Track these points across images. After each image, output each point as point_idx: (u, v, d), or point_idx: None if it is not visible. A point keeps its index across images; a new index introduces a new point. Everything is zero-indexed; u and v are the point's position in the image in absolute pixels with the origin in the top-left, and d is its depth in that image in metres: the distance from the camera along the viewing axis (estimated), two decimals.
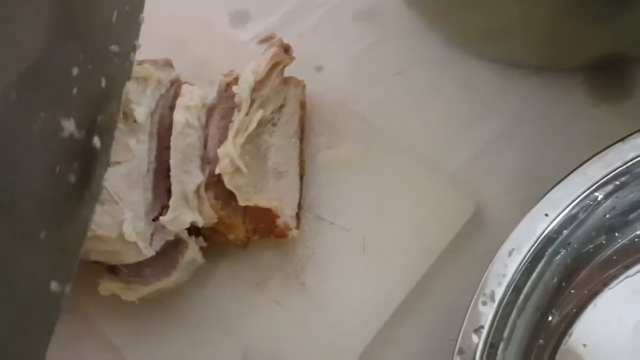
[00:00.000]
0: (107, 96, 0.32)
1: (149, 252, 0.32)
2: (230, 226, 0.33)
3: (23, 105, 0.26)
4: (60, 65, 0.28)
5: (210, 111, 0.34)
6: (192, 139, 0.33)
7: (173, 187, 0.32)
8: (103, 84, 0.31)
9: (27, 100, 0.26)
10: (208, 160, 0.33)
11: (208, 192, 0.33)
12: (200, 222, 0.33)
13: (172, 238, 0.33)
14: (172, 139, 0.32)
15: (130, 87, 0.33)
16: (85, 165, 0.29)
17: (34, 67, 0.26)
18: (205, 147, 0.34)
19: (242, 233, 0.34)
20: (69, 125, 0.28)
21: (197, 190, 0.33)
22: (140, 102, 0.33)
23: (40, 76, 0.27)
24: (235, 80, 0.35)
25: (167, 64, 0.37)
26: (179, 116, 0.33)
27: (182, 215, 0.32)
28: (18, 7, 0.25)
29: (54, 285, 0.26)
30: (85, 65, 0.30)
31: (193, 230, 0.34)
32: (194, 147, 0.33)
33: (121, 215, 0.31)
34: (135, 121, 0.33)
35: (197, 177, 0.33)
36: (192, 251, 0.34)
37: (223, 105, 0.35)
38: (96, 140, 0.30)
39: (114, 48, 0.32)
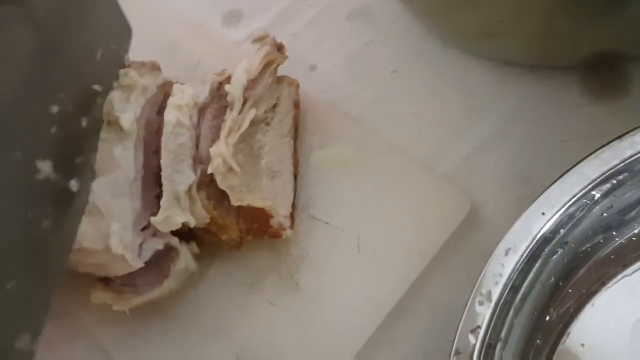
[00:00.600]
0: (87, 136, 0.31)
1: (137, 263, 0.32)
2: (223, 226, 0.33)
3: None
4: (39, 103, 0.27)
5: (202, 110, 0.34)
6: (184, 138, 0.33)
7: (164, 187, 0.32)
8: (84, 123, 0.30)
9: (2, 137, 0.24)
10: (200, 160, 0.33)
11: (200, 192, 0.32)
12: (192, 223, 0.32)
13: (161, 247, 0.33)
14: (162, 138, 0.32)
15: (115, 96, 0.33)
16: (61, 209, 0.28)
17: (12, 103, 0.25)
18: (197, 146, 0.33)
19: (235, 233, 0.33)
20: (45, 167, 0.27)
21: (189, 190, 0.32)
22: (125, 109, 0.33)
23: (18, 113, 0.25)
24: (228, 80, 0.35)
25: (155, 68, 0.36)
26: (170, 115, 0.32)
27: (173, 215, 0.31)
28: (4, 37, 0.24)
29: (22, 340, 0.24)
30: (65, 104, 0.28)
31: (185, 231, 0.33)
32: (185, 147, 0.33)
33: (107, 228, 0.31)
34: (121, 129, 0.32)
35: (189, 177, 0.32)
36: (184, 259, 0.33)
37: (215, 105, 0.34)
38: (73, 184, 0.29)
39: (97, 87, 0.32)
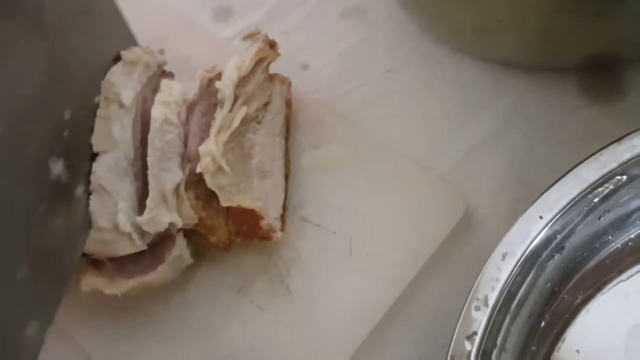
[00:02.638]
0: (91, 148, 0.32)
1: (141, 245, 0.31)
2: (211, 228, 0.32)
3: (15, 138, 0.26)
4: (54, 107, 0.29)
5: (191, 107, 0.33)
6: (171, 135, 0.32)
7: (150, 186, 0.31)
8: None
9: (20, 132, 0.26)
10: (189, 159, 0.32)
11: (188, 192, 0.31)
12: (179, 223, 0.31)
13: (162, 230, 0.32)
14: (149, 135, 0.31)
15: (115, 71, 0.32)
16: (69, 207, 0.29)
17: (30, 104, 0.27)
18: (185, 144, 0.32)
19: (224, 235, 0.32)
20: (57, 168, 0.28)
21: (177, 190, 0.31)
22: (126, 85, 0.32)
23: (34, 112, 0.27)
24: (218, 76, 0.34)
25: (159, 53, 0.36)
26: (157, 112, 0.31)
27: (159, 215, 0.31)
28: (17, 49, 0.26)
29: (32, 327, 0.25)
30: (77, 111, 0.30)
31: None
32: (173, 145, 0.32)
33: (114, 205, 0.31)
34: (121, 106, 0.32)
35: (176, 176, 0.31)
36: (179, 246, 0.32)
37: (205, 102, 0.33)
38: (79, 190, 0.30)
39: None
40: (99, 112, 0.31)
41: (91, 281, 0.32)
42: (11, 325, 0.25)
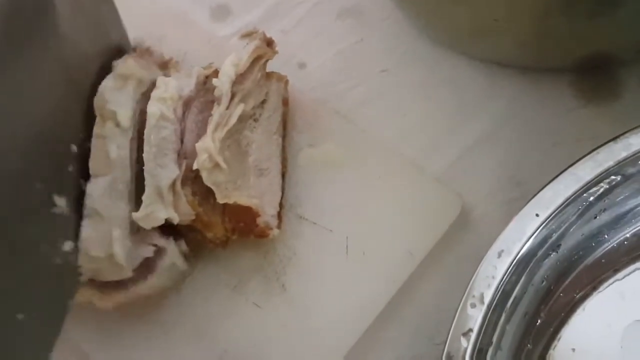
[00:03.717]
0: None
1: (128, 273, 0.31)
2: (208, 224, 0.32)
3: (23, 172, 0.26)
4: (61, 140, 0.29)
5: (187, 104, 0.33)
6: (167, 132, 0.31)
7: (146, 182, 0.30)
8: None
9: (27, 167, 0.26)
10: (185, 155, 0.32)
11: (185, 188, 0.31)
12: (176, 219, 0.31)
13: (151, 255, 0.32)
14: (145, 131, 0.31)
15: (107, 86, 0.31)
16: (73, 244, 0.29)
17: (38, 135, 0.27)
18: (181, 141, 0.32)
19: (220, 231, 0.32)
20: (60, 202, 0.28)
21: (173, 185, 0.31)
22: (121, 103, 0.31)
23: (42, 146, 0.27)
24: (215, 73, 0.34)
25: (159, 60, 0.35)
26: (153, 108, 0.31)
27: (155, 211, 0.30)
28: (34, 75, 0.26)
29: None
30: (84, 144, 0.30)
31: (170, 229, 0.32)
32: (169, 141, 0.31)
33: (108, 233, 0.30)
34: (117, 125, 0.31)
35: (172, 172, 0.31)
36: (171, 256, 0.32)
37: (201, 99, 0.33)
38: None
39: None
40: (95, 130, 0.30)
41: (84, 293, 0.31)
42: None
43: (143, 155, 0.31)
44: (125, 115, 0.31)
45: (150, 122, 0.31)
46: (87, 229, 0.29)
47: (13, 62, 0.25)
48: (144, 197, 0.30)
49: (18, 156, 0.25)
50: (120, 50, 0.34)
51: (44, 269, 0.27)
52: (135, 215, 0.30)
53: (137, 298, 0.32)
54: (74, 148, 0.29)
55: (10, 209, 0.25)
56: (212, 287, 0.34)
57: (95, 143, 0.30)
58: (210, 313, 0.34)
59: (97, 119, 0.30)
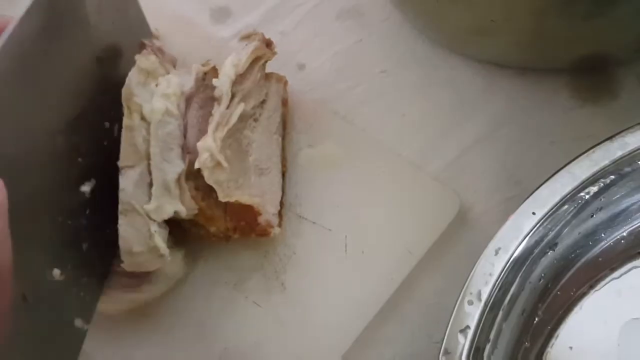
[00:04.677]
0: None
1: (168, 256, 0.32)
2: (211, 218, 0.32)
3: (64, 150, 0.29)
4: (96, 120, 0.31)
5: (188, 100, 0.33)
6: (172, 127, 0.32)
7: (154, 176, 0.31)
8: None
9: (67, 145, 0.29)
10: (188, 150, 0.32)
11: (188, 183, 0.31)
12: (184, 212, 0.31)
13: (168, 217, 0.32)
14: (151, 127, 0.31)
15: (133, 79, 0.32)
16: (95, 236, 0.31)
17: (78, 118, 0.30)
18: (184, 136, 0.33)
19: (223, 225, 0.32)
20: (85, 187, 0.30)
21: (179, 180, 0.31)
22: (146, 97, 0.32)
23: (80, 128, 0.30)
24: (213, 70, 0.34)
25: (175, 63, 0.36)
26: (158, 104, 0.31)
27: (164, 204, 0.31)
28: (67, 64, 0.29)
29: (78, 321, 0.30)
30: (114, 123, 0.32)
31: (174, 225, 0.33)
32: (173, 136, 0.32)
33: (146, 227, 0.30)
34: (142, 118, 0.31)
35: (178, 166, 0.31)
36: (173, 263, 0.33)
37: (201, 95, 0.33)
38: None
39: None
40: (124, 121, 0.31)
41: None
42: (63, 318, 0.29)
43: (150, 150, 0.31)
44: (149, 109, 0.31)
45: (155, 117, 0.31)
46: (125, 227, 0.30)
47: (50, 53, 0.28)
48: (153, 190, 0.31)
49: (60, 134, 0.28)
50: (142, 44, 0.35)
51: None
52: (146, 207, 0.30)
53: (135, 305, 0.33)
54: (107, 124, 0.32)
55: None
56: (212, 285, 0.35)
57: (124, 135, 0.31)
58: (210, 311, 0.34)
59: (125, 111, 0.31)
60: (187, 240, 0.34)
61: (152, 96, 0.32)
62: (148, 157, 0.31)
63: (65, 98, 0.29)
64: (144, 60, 0.32)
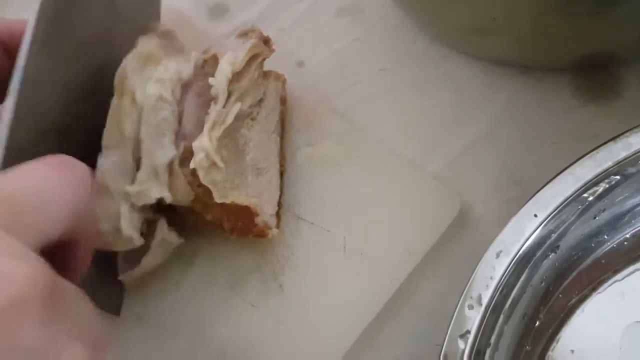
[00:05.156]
0: None
1: (139, 241, 0.31)
2: (207, 205, 0.31)
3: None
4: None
5: (185, 87, 0.33)
6: (166, 113, 0.31)
7: (143, 160, 0.30)
8: None
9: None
10: (184, 136, 0.32)
11: (184, 169, 0.31)
12: (169, 199, 0.31)
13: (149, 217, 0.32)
14: (144, 111, 0.31)
15: (129, 63, 0.31)
16: None
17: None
18: (180, 122, 0.32)
19: (219, 213, 0.32)
20: None
21: (170, 166, 0.31)
22: (140, 83, 0.31)
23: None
24: (213, 58, 0.34)
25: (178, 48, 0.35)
26: (152, 89, 0.31)
27: (149, 189, 0.30)
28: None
29: None
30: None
31: (166, 210, 0.32)
32: (167, 122, 0.31)
33: (116, 208, 0.30)
34: (133, 101, 0.31)
35: (170, 152, 0.31)
36: (161, 231, 0.32)
37: (200, 82, 0.33)
38: None
39: None
40: (112, 101, 0.31)
41: None
42: None
43: (140, 134, 0.31)
44: (142, 94, 0.31)
45: (149, 102, 0.31)
46: (97, 206, 0.30)
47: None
48: (138, 174, 0.30)
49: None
50: (146, 29, 0.34)
51: None
52: (129, 189, 0.30)
53: (136, 279, 0.33)
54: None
55: None
56: (209, 287, 0.34)
57: (110, 115, 0.31)
58: (207, 313, 0.34)
59: (116, 92, 0.31)
60: (186, 241, 0.34)
61: (147, 81, 0.31)
62: (133, 141, 0.31)
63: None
64: (144, 45, 0.32)
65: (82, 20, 0.30)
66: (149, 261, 0.32)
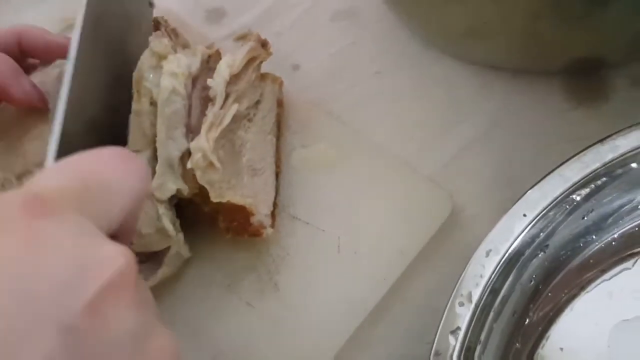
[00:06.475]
0: None
1: (176, 236, 0.32)
2: (208, 197, 0.32)
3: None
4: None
5: (193, 81, 0.33)
6: (178, 105, 0.32)
7: (159, 153, 0.31)
8: None
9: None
10: (191, 130, 0.32)
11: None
12: (186, 190, 0.32)
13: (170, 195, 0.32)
14: (158, 104, 0.31)
15: (145, 62, 0.32)
16: None
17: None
18: (189, 115, 0.33)
19: (216, 205, 0.32)
20: None
21: (182, 158, 0.32)
22: (158, 82, 0.32)
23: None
24: (216, 54, 0.34)
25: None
26: (165, 82, 0.31)
27: (167, 182, 0.31)
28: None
29: None
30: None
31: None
32: (179, 115, 0.32)
33: (154, 209, 0.31)
34: (152, 103, 0.31)
35: (182, 145, 0.32)
36: (177, 244, 0.33)
37: (204, 77, 0.34)
38: None
39: None
40: (132, 105, 0.31)
41: None
42: None
43: (156, 127, 0.31)
44: (158, 91, 0.31)
45: (163, 95, 0.31)
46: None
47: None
48: (157, 168, 0.31)
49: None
50: (157, 23, 0.36)
51: None
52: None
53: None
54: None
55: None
56: (206, 286, 0.35)
57: (132, 119, 0.31)
58: (203, 313, 0.34)
59: (135, 95, 0.31)
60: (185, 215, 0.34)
61: (162, 76, 0.32)
62: (155, 142, 0.31)
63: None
64: (158, 44, 0.32)
65: (113, 16, 0.31)
66: (164, 272, 0.33)
